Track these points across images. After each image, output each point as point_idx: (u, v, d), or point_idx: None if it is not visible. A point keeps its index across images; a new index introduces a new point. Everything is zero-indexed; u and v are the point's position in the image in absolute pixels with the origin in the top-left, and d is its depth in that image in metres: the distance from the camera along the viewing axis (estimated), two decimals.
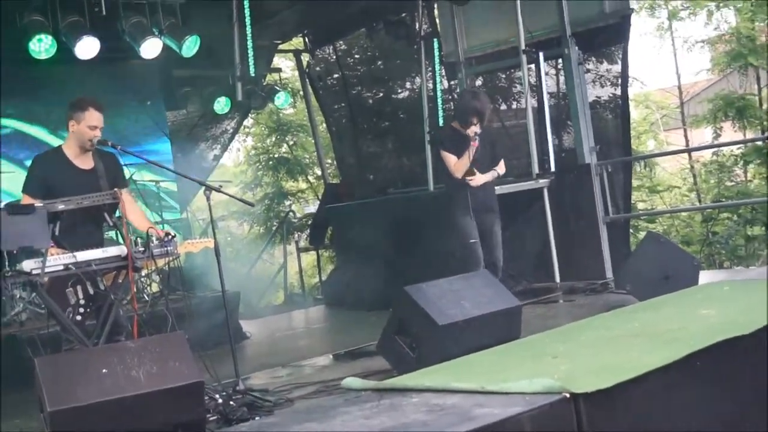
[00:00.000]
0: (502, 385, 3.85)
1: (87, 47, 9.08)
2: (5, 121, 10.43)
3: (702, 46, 18.13)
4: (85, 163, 5.88)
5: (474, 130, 7.55)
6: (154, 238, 5.52)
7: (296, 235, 14.71)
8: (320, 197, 14.95)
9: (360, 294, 10.28)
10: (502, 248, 7.95)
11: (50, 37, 8.89)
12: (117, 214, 5.60)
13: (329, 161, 15.50)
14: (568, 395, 3.61)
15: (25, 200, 5.68)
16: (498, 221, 7.95)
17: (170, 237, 5.62)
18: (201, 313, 8.00)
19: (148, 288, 8.87)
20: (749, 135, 15.90)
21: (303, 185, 19.71)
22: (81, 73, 9.87)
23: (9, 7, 8.75)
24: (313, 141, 15.85)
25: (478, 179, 7.66)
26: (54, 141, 9.77)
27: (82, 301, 5.41)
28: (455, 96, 12.00)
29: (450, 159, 7.71)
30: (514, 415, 3.48)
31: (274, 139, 19.39)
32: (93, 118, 5.75)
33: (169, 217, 11.13)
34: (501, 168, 7.89)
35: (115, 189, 5.62)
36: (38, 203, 5.28)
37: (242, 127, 16.91)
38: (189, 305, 6.34)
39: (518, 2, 9.77)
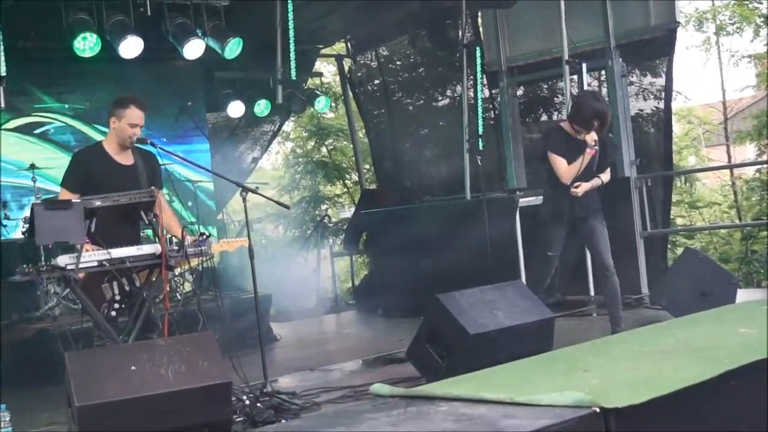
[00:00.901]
0: (531, 397, 3.78)
1: (131, 46, 9.17)
2: (54, 116, 10.57)
3: (749, 62, 17.94)
4: (126, 159, 5.91)
5: (593, 137, 7.03)
6: (188, 238, 5.54)
7: (331, 240, 14.71)
8: (356, 202, 14.94)
9: (392, 300, 10.25)
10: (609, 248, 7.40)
11: (95, 36, 8.98)
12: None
13: (367, 167, 15.50)
14: (598, 409, 3.54)
15: (63, 194, 5.72)
16: (602, 221, 7.38)
17: (205, 237, 5.63)
18: (232, 313, 8.04)
19: (181, 287, 8.91)
20: None
21: (340, 190, 19.74)
22: (124, 71, 9.98)
23: (55, 5, 8.84)
24: (351, 146, 15.85)
25: (583, 188, 7.12)
26: (97, 137, 9.89)
27: (117, 297, 5.43)
28: (496, 105, 11.96)
29: (560, 163, 7.13)
30: (543, 427, 3.42)
31: (313, 142, 19.45)
32: (134, 115, 5.77)
33: (205, 218, 11.20)
34: (606, 176, 7.37)
35: (152, 188, 5.64)
36: (75, 199, 5.31)
37: (282, 131, 16.96)
38: (221, 306, 6.33)
39: (563, 12, 9.71)
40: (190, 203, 10.71)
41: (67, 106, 10.66)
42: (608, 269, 7.30)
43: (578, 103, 7.36)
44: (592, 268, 8.04)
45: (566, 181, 7.11)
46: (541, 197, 9.13)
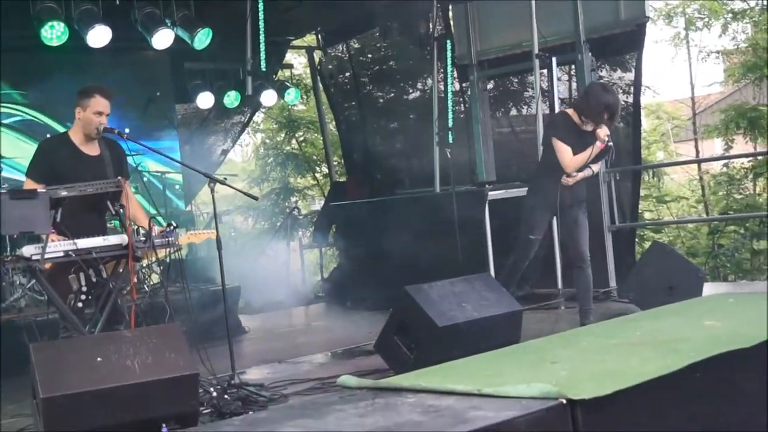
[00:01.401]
0: (498, 388, 3.79)
1: (99, 36, 9.09)
2: (19, 108, 10.43)
3: (717, 57, 18.07)
4: (92, 149, 5.87)
5: (606, 131, 6.93)
6: (156, 229, 5.51)
7: (300, 232, 14.67)
8: (326, 195, 14.92)
9: (361, 293, 10.26)
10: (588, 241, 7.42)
11: (62, 24, 8.89)
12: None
13: (337, 159, 15.47)
14: (564, 401, 3.56)
15: (28, 184, 5.67)
16: (585, 212, 7.39)
17: (172, 228, 5.59)
18: (201, 305, 8.00)
19: (149, 279, 8.85)
20: (760, 148, 15.81)
21: (310, 182, 19.70)
22: (92, 61, 9.88)
23: None
24: (321, 138, 15.82)
25: (575, 178, 7.11)
26: (62, 129, 9.76)
27: (84, 288, 5.40)
28: (466, 98, 11.97)
29: (565, 151, 7.01)
30: (509, 419, 3.43)
31: (283, 134, 19.39)
32: (99, 104, 5.73)
33: (174, 209, 11.11)
34: (597, 166, 7.34)
35: (119, 177, 5.59)
36: (41, 188, 5.25)
37: (252, 122, 16.90)
38: (189, 297, 6.29)
39: (533, 6, 9.71)
40: (157, 194, 10.60)
41: (33, 98, 10.51)
42: (584, 261, 7.35)
43: (587, 95, 7.25)
44: (564, 259, 8.03)
45: (570, 171, 7.06)
46: (512, 190, 9.20)
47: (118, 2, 9.13)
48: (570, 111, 7.36)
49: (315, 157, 19.03)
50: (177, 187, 11.70)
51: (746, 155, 15.39)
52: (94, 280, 5.35)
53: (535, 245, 7.35)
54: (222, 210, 15.35)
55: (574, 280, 7.62)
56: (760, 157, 14.97)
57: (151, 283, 8.74)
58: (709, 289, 8.13)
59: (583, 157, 7.03)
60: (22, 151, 9.61)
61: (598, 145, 6.97)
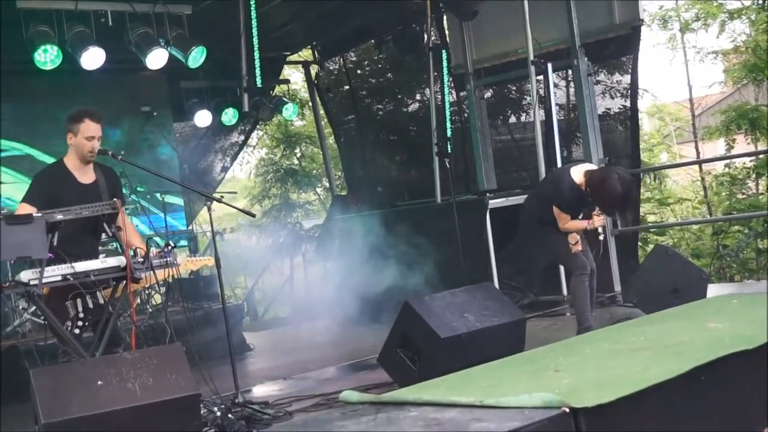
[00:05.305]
0: (501, 399, 3.76)
1: (93, 58, 9.04)
2: (11, 143, 10.41)
3: (714, 58, 18.04)
4: (87, 176, 5.81)
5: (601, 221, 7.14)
6: (153, 249, 5.46)
7: (303, 247, 14.64)
8: (328, 209, 14.91)
9: (365, 306, 10.21)
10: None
11: (56, 48, 8.85)
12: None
13: (338, 173, 15.46)
14: (567, 410, 3.53)
15: (22, 208, 5.61)
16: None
17: (170, 248, 5.55)
18: (205, 324, 7.98)
19: (152, 299, 8.83)
20: (761, 147, 15.77)
21: (311, 197, 19.68)
22: (86, 84, 9.86)
23: (14, 17, 8.70)
24: (321, 153, 15.82)
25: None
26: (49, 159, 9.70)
27: (81, 315, 5.36)
28: (464, 107, 11.96)
29: (563, 217, 7.11)
30: (512, 430, 3.40)
31: (282, 150, 19.39)
32: (89, 128, 5.68)
33: (174, 229, 11.07)
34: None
35: (115, 199, 5.54)
36: (36, 213, 5.21)
37: (251, 139, 16.89)
38: (190, 317, 6.27)
39: (527, 13, 9.71)
40: (156, 215, 10.58)
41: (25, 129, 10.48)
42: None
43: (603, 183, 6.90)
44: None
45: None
46: (512, 198, 9.19)
47: (110, 24, 9.09)
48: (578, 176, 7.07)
49: (315, 172, 19.03)
50: (176, 207, 11.66)
51: (747, 155, 15.34)
52: (90, 306, 5.31)
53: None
54: (225, 228, 15.36)
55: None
56: (761, 156, 14.92)
57: (154, 303, 8.75)
58: (714, 290, 8.09)
59: (576, 224, 7.16)
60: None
61: (588, 225, 7.17)
